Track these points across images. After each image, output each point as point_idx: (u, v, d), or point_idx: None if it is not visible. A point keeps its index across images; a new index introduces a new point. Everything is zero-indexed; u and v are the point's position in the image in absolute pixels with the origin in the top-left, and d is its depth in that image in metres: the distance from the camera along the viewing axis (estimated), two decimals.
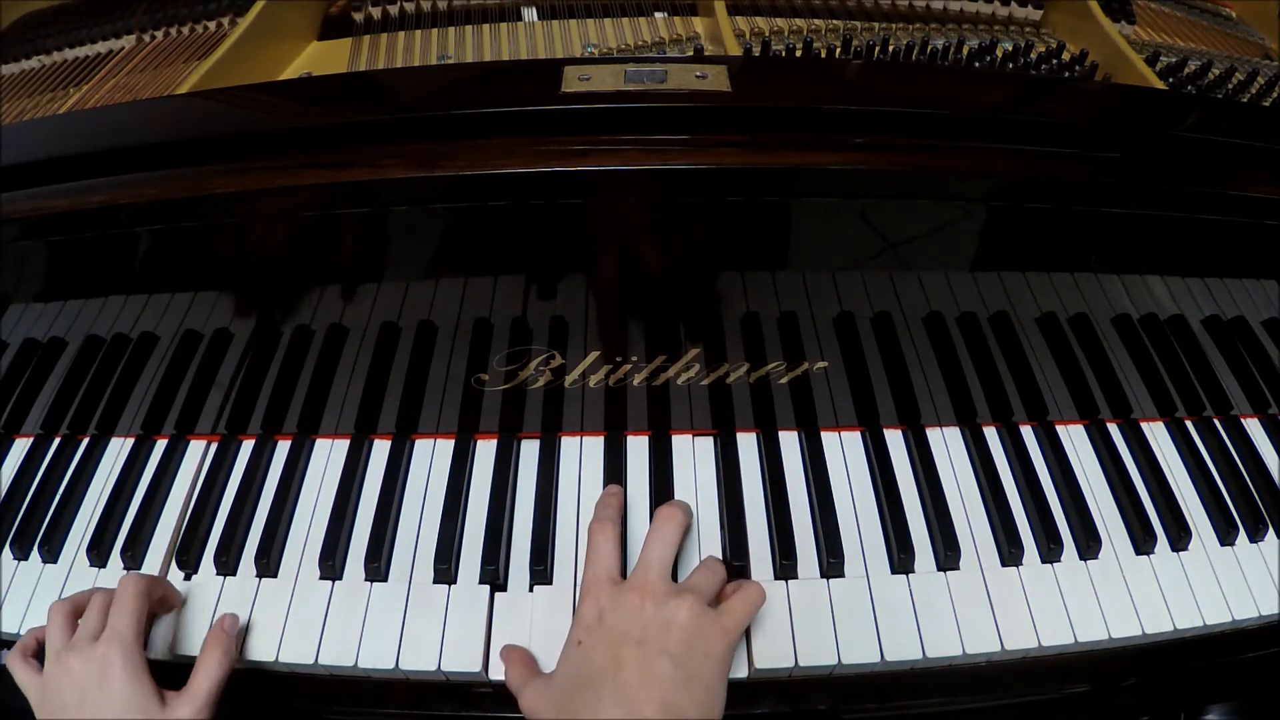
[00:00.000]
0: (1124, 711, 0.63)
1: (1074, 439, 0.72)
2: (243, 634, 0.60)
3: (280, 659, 0.59)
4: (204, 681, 0.54)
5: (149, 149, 0.56)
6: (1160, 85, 0.74)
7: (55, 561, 0.66)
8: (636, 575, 0.54)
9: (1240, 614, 0.62)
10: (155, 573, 0.65)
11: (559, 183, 0.53)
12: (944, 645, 0.59)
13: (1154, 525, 0.66)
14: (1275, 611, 0.63)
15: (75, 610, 0.56)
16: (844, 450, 0.71)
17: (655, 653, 0.49)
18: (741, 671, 0.58)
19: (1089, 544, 0.64)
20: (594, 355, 0.64)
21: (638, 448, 0.71)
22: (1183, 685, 0.63)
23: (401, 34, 0.88)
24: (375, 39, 0.87)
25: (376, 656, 0.59)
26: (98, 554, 0.65)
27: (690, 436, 0.71)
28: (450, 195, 0.54)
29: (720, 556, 0.63)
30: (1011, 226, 0.58)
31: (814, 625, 0.60)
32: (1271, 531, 0.67)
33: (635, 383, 0.67)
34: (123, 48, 0.92)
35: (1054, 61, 0.82)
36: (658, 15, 0.90)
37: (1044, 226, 0.57)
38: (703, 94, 0.55)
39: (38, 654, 0.57)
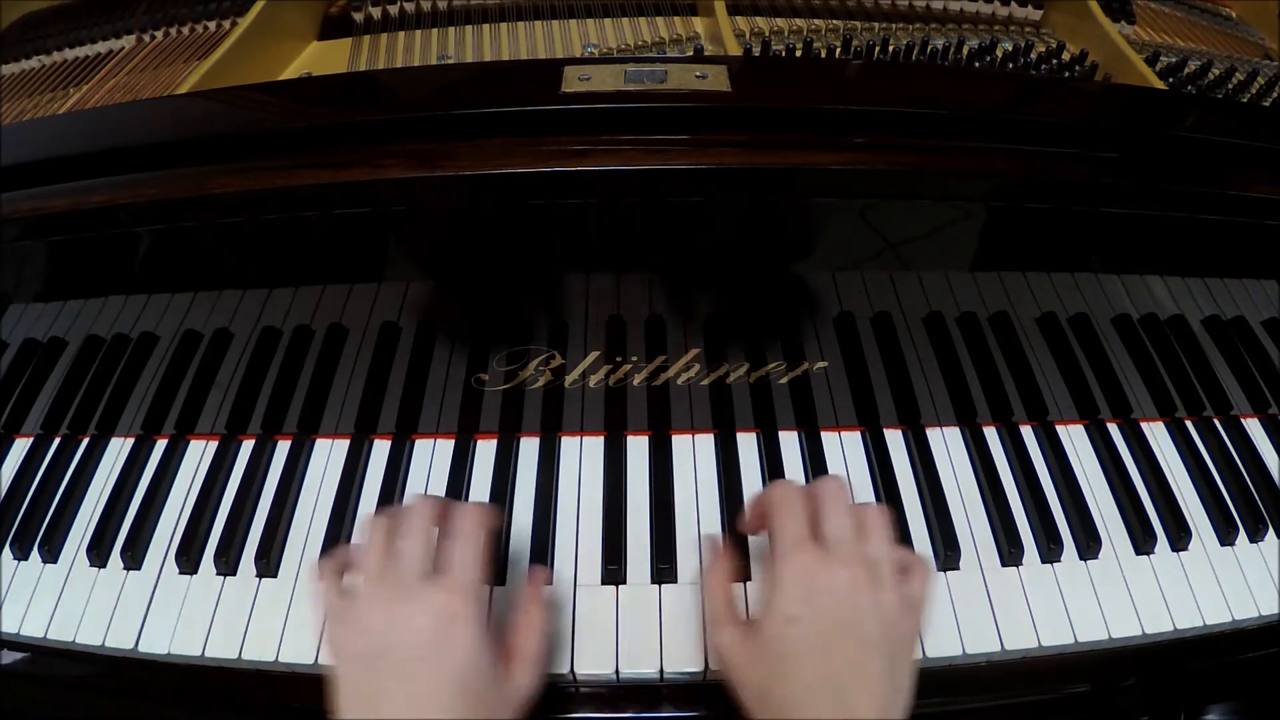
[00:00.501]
0: (1124, 711, 0.63)
1: (1074, 439, 0.72)
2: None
3: (280, 659, 0.59)
4: (535, 643, 0.50)
5: (149, 149, 0.56)
6: (1160, 85, 0.74)
7: (55, 561, 0.66)
8: (836, 551, 0.48)
9: (1240, 614, 0.62)
10: (153, 575, 0.65)
11: (559, 183, 0.53)
12: (944, 645, 0.59)
13: (1154, 525, 0.66)
14: (1275, 611, 0.63)
15: (395, 530, 0.49)
16: (844, 450, 0.71)
17: (870, 647, 0.45)
18: None
19: (1089, 544, 0.64)
20: (594, 355, 0.64)
21: (638, 448, 0.71)
22: (1183, 685, 0.63)
23: (401, 34, 0.88)
24: (375, 39, 0.87)
25: None
26: (98, 554, 0.65)
27: (690, 436, 0.71)
28: (450, 195, 0.54)
29: None
30: (1011, 226, 0.58)
31: None
32: (1271, 531, 0.67)
33: (635, 383, 0.67)
34: (123, 48, 0.92)
35: (1054, 61, 0.82)
36: (655, 15, 0.90)
37: (1044, 226, 0.57)
38: (703, 94, 0.55)
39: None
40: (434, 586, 0.46)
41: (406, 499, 0.50)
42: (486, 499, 0.67)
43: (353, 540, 0.48)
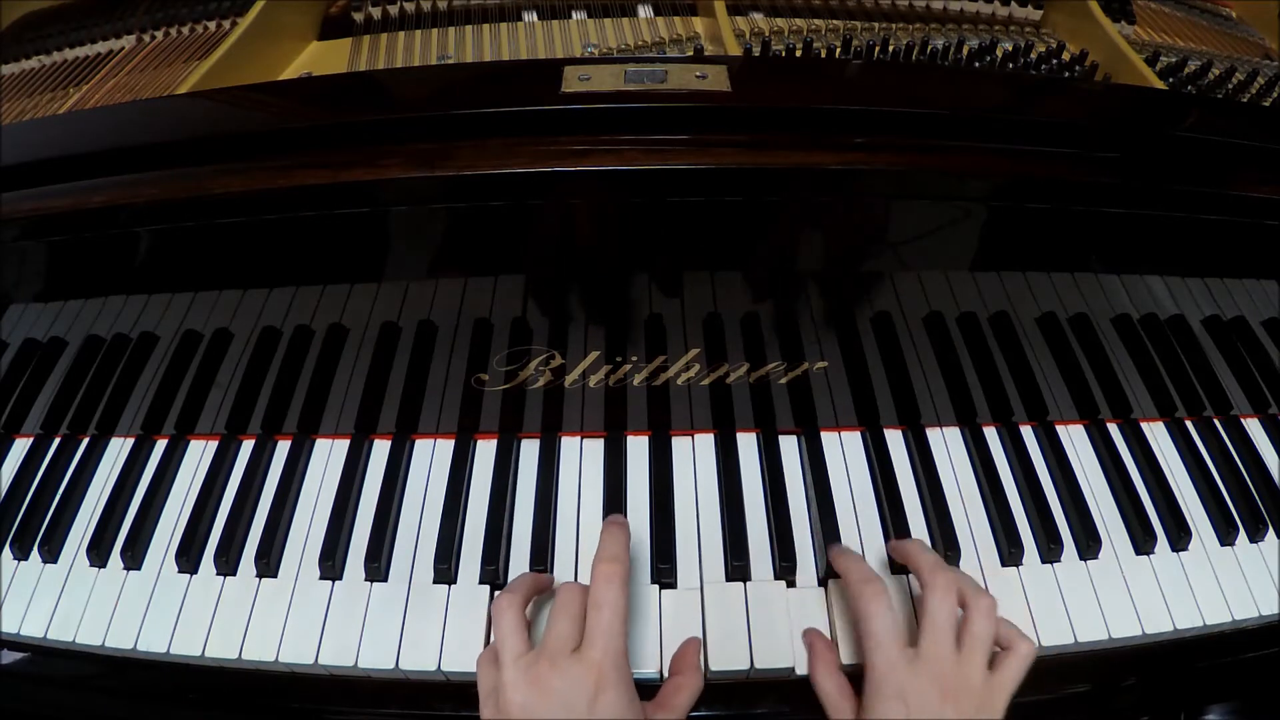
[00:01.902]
0: (1124, 711, 0.63)
1: (1074, 439, 0.72)
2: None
3: (280, 659, 0.59)
4: (686, 700, 0.54)
5: (149, 149, 0.56)
6: (1160, 85, 0.74)
7: (55, 561, 0.66)
8: (934, 663, 0.50)
9: (1240, 614, 0.62)
10: (153, 575, 0.65)
11: (559, 183, 0.53)
12: None
13: (1154, 525, 0.66)
14: (1275, 611, 0.63)
15: (526, 604, 0.53)
16: (844, 450, 0.71)
17: None
18: (742, 670, 0.58)
19: (1089, 544, 0.64)
20: (594, 355, 0.64)
21: (638, 448, 0.71)
22: (1183, 685, 0.63)
23: (401, 34, 0.87)
24: (375, 39, 0.87)
25: (376, 656, 0.59)
26: (98, 554, 0.65)
27: (690, 436, 0.71)
28: (450, 195, 0.54)
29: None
30: (1011, 226, 0.58)
31: (814, 624, 0.60)
32: (1271, 531, 0.67)
33: (635, 383, 0.67)
34: (123, 48, 0.92)
35: (1054, 61, 0.82)
36: (655, 15, 0.89)
37: (1044, 226, 0.57)
38: (703, 94, 0.55)
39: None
40: (580, 660, 0.48)
41: (559, 588, 0.53)
42: (486, 499, 0.67)
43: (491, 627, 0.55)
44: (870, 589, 0.53)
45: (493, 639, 0.56)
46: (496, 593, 0.62)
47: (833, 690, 0.54)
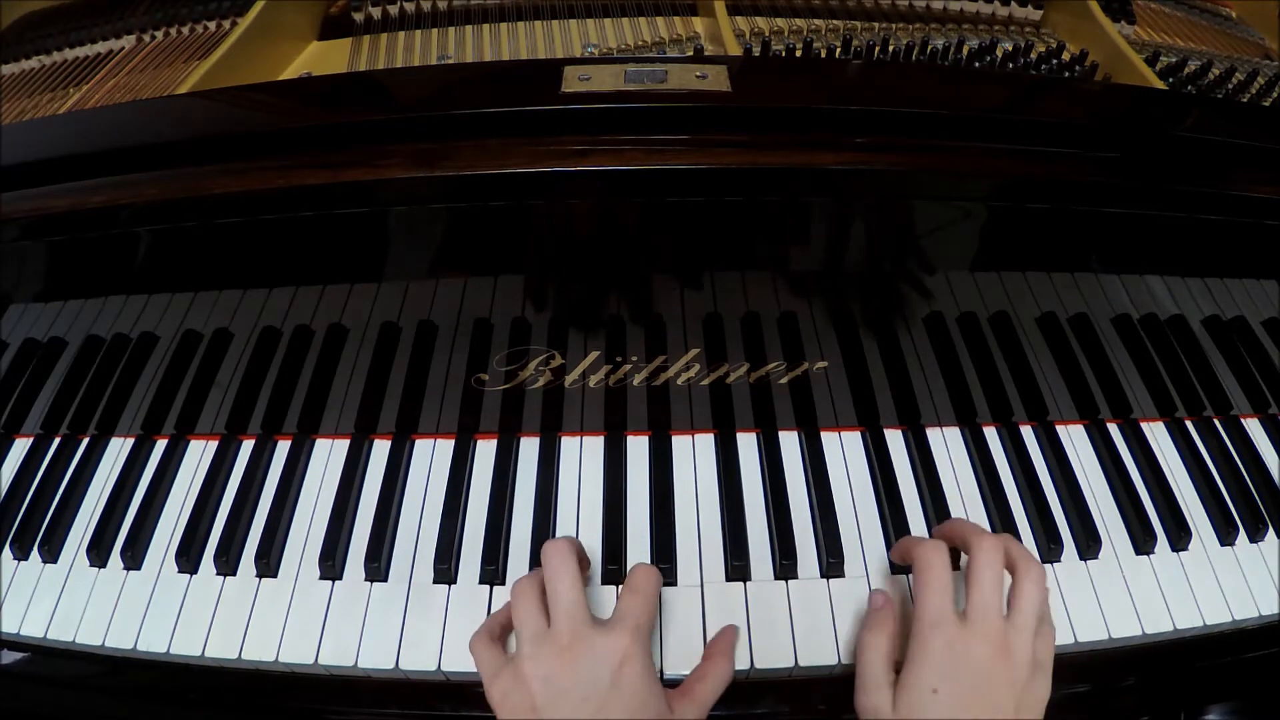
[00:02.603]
0: (1124, 711, 0.63)
1: (1074, 439, 0.72)
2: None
3: (280, 659, 0.59)
4: (710, 689, 0.53)
5: (149, 149, 0.56)
6: (1160, 85, 0.74)
7: (55, 561, 0.66)
8: (981, 622, 0.51)
9: (1240, 614, 0.62)
10: (153, 575, 0.65)
11: (559, 183, 0.53)
12: None
13: (1154, 525, 0.66)
14: (1275, 611, 0.63)
15: (544, 590, 0.53)
16: (844, 450, 0.71)
17: (1002, 713, 0.49)
18: (742, 670, 0.58)
19: (1089, 544, 0.64)
20: (594, 355, 0.64)
21: (638, 448, 0.71)
22: (1183, 685, 0.63)
23: (401, 34, 0.87)
24: (375, 39, 0.87)
25: (376, 656, 0.59)
26: (98, 554, 0.65)
27: (690, 436, 0.71)
28: (450, 195, 0.54)
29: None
30: (1011, 226, 0.58)
31: (814, 625, 0.60)
32: (1271, 531, 0.67)
33: (635, 383, 0.67)
34: (123, 48, 0.92)
35: (1054, 61, 0.82)
36: (655, 15, 0.90)
37: (1044, 226, 0.57)
38: (703, 94, 0.55)
39: (503, 637, 0.54)
40: (607, 632, 0.50)
41: (548, 546, 0.53)
42: (486, 499, 0.67)
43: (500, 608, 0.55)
44: (935, 552, 0.54)
45: (486, 618, 0.58)
46: (497, 594, 0.62)
47: (878, 662, 0.53)
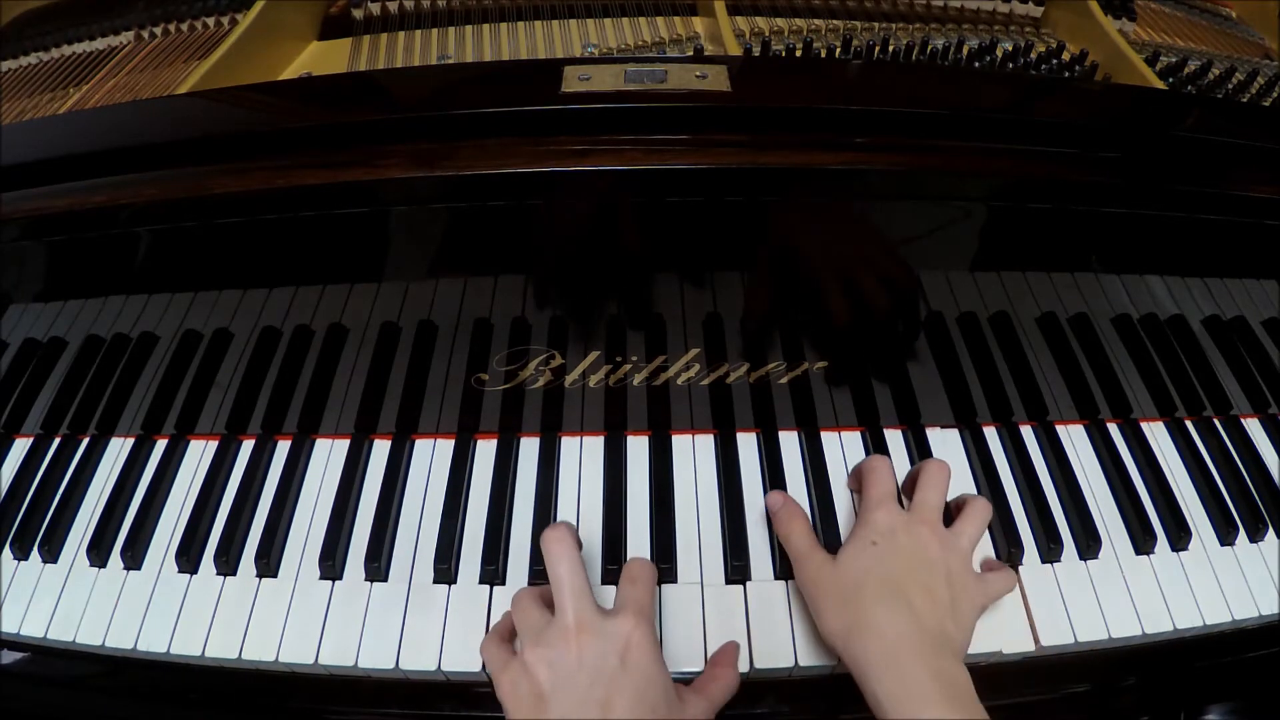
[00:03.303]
0: (1124, 711, 0.63)
1: (1074, 439, 0.72)
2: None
3: (280, 659, 0.59)
4: (721, 691, 0.54)
5: (149, 149, 0.56)
6: (1160, 85, 0.74)
7: (55, 561, 0.66)
8: (920, 512, 0.59)
9: (1240, 614, 0.62)
10: (153, 574, 0.65)
11: (559, 183, 0.53)
12: None
13: (1154, 525, 0.66)
14: (1275, 611, 0.63)
15: (546, 596, 0.54)
16: (844, 450, 0.71)
17: (938, 581, 0.55)
18: (742, 670, 0.58)
19: (1089, 544, 0.64)
20: (594, 355, 0.64)
21: (638, 448, 0.71)
22: (1182, 685, 0.63)
23: (401, 34, 0.87)
24: (375, 39, 0.87)
25: (376, 656, 0.59)
26: (98, 554, 0.65)
27: (690, 436, 0.71)
28: (450, 195, 0.54)
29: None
30: (1011, 226, 0.58)
31: (814, 625, 0.60)
32: (1271, 531, 0.67)
33: (635, 383, 0.67)
34: (122, 45, 0.92)
35: (1054, 61, 0.82)
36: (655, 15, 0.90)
37: (1044, 226, 0.57)
38: (703, 94, 0.55)
39: (512, 639, 0.54)
40: (612, 616, 0.51)
41: (547, 533, 0.54)
42: (486, 499, 0.67)
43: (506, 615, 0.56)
44: (880, 458, 0.63)
45: (493, 624, 0.59)
46: (497, 593, 0.62)
47: (805, 538, 0.59)
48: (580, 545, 0.56)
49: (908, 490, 0.65)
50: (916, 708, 0.48)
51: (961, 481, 0.69)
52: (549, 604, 0.53)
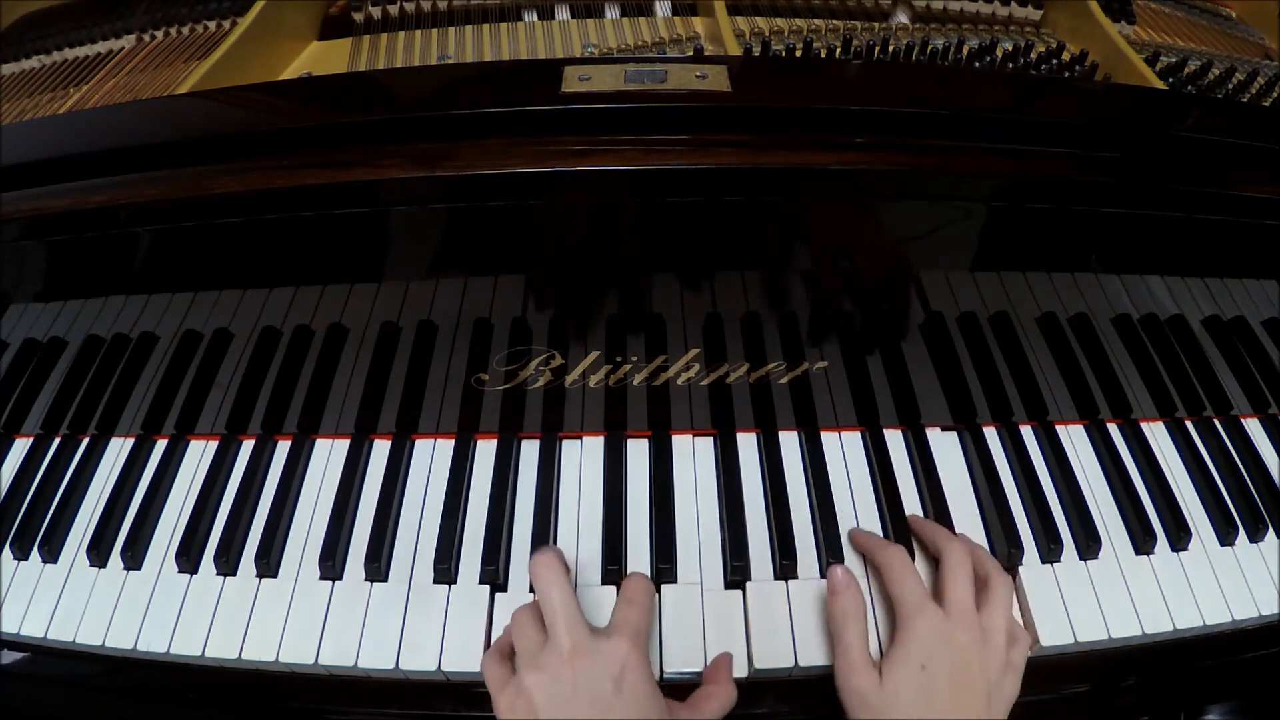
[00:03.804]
0: (1124, 711, 0.63)
1: (1074, 439, 0.72)
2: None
3: (280, 659, 0.59)
4: (717, 708, 0.54)
5: (149, 149, 0.56)
6: (1160, 85, 0.74)
7: (55, 561, 0.66)
8: (958, 617, 0.55)
9: (1240, 614, 0.62)
10: (153, 575, 0.65)
11: (559, 183, 0.53)
12: None
13: (1154, 525, 0.66)
14: (1275, 611, 0.63)
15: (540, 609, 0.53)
16: (844, 450, 0.71)
17: (978, 697, 0.52)
18: (741, 671, 0.58)
19: (1089, 544, 0.64)
20: (594, 355, 0.64)
21: (638, 448, 0.71)
22: (1183, 685, 0.63)
23: (401, 34, 0.88)
24: (375, 39, 0.87)
25: (376, 656, 0.59)
26: (98, 554, 0.65)
27: (690, 436, 0.71)
28: (450, 195, 0.54)
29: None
30: (1012, 226, 0.58)
31: (814, 625, 0.60)
32: (1271, 531, 0.67)
33: (635, 383, 0.67)
34: (123, 47, 0.92)
35: (1054, 61, 0.82)
36: (658, 12, 0.90)
37: (1044, 226, 0.57)
38: (703, 94, 0.55)
39: (513, 656, 0.54)
40: (607, 639, 0.50)
41: (536, 559, 0.54)
42: (486, 499, 0.67)
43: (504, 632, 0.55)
44: (895, 552, 0.59)
45: (495, 637, 0.58)
46: (497, 594, 0.62)
47: (859, 641, 0.55)
48: (568, 570, 0.55)
49: (921, 542, 0.63)
50: None
51: (962, 481, 0.69)
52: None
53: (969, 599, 0.55)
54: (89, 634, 0.61)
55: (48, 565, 0.66)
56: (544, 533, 0.65)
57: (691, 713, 0.53)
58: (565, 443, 0.71)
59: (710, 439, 0.72)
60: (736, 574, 0.63)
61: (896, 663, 0.53)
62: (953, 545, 0.59)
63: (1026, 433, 0.72)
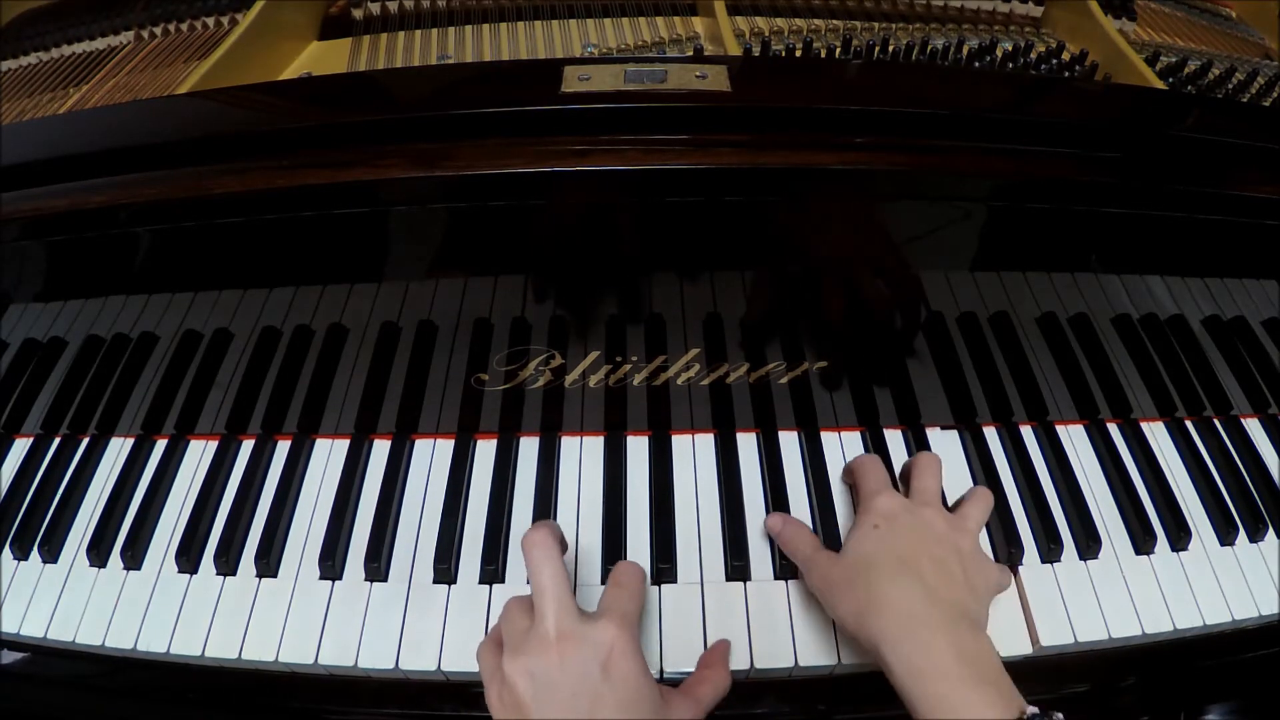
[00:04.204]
0: (1124, 711, 0.63)
1: (1074, 439, 0.72)
2: None
3: (280, 659, 0.59)
4: (710, 693, 0.54)
5: (149, 149, 0.56)
6: (1160, 85, 0.74)
7: (55, 561, 0.66)
8: (920, 496, 0.59)
9: (1240, 614, 0.62)
10: (153, 575, 0.65)
11: (559, 183, 0.53)
12: None
13: (1154, 525, 0.66)
14: (1275, 611, 0.63)
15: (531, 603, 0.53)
16: (843, 450, 0.71)
17: (949, 556, 0.55)
18: (742, 666, 0.58)
19: (1089, 544, 0.64)
20: (594, 355, 0.64)
21: (638, 448, 0.71)
22: (1183, 685, 0.63)
23: (401, 34, 0.88)
24: (375, 39, 0.87)
25: (376, 656, 0.59)
26: (98, 554, 0.65)
27: (690, 436, 0.71)
28: (450, 195, 0.54)
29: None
30: (1011, 226, 0.58)
31: (814, 625, 0.60)
32: (1271, 531, 0.67)
33: (635, 383, 0.67)
34: (122, 45, 0.92)
35: (1054, 61, 0.82)
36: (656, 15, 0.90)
37: (1044, 226, 0.57)
38: (703, 94, 0.55)
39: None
40: (594, 622, 0.49)
41: (529, 536, 0.53)
42: (486, 499, 0.67)
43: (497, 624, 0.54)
44: (867, 455, 0.64)
45: (490, 625, 0.59)
46: (497, 593, 0.62)
47: (807, 541, 0.59)
48: (565, 547, 0.55)
49: (904, 483, 0.65)
50: (936, 681, 0.47)
51: (961, 481, 0.69)
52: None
53: (934, 490, 0.59)
54: (89, 634, 0.61)
55: (48, 565, 0.66)
56: None
57: (684, 697, 0.53)
58: (565, 442, 0.71)
59: (710, 439, 0.71)
60: (736, 574, 0.63)
61: (851, 532, 0.57)
62: (922, 454, 0.63)
63: (1026, 432, 0.72)
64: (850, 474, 0.66)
